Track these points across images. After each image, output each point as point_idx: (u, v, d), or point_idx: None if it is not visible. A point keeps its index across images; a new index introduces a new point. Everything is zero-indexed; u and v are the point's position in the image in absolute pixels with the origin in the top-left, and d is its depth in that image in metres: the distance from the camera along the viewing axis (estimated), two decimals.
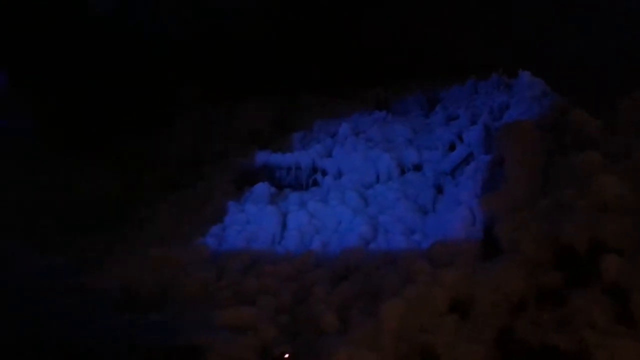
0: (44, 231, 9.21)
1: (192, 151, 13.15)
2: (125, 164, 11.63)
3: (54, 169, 10.29)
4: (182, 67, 13.74)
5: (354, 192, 10.64)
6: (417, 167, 11.23)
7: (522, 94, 11.48)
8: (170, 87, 13.65)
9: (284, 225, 10.15)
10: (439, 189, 10.48)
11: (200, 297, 8.23)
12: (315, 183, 11.76)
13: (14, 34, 11.19)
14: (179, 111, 13.55)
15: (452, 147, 11.19)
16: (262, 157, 12.15)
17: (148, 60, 13.41)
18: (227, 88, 13.70)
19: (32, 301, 6.97)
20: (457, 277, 7.18)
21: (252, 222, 10.27)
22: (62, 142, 10.86)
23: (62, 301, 6.99)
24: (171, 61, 13.72)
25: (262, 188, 11.21)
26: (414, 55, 14.64)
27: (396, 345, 6.60)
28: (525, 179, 8.44)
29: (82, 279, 7.62)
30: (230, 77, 13.79)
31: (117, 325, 6.69)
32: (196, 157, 13.00)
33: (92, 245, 8.85)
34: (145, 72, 13.22)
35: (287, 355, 6.64)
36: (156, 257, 8.53)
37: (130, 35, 13.42)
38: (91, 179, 10.63)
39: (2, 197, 9.54)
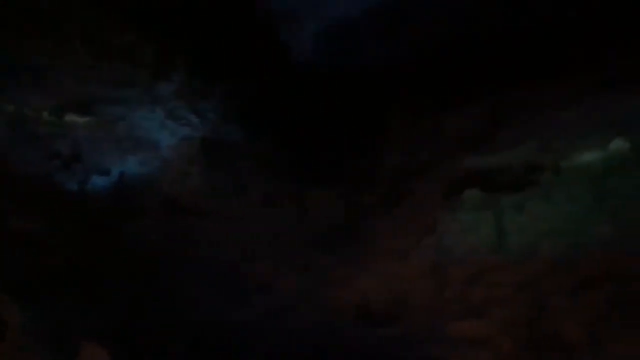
0: (293, 254, 10.70)
1: (400, 166, 13.59)
2: (345, 187, 12.79)
3: (292, 201, 12.00)
4: (384, 92, 14.40)
5: (581, 186, 9.54)
6: None
7: None
8: (374, 112, 14.44)
9: (503, 231, 9.72)
10: None
11: (427, 310, 8.47)
12: (533, 182, 10.90)
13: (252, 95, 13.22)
14: (387, 132, 14.18)
15: None
16: (471, 162, 11.84)
17: (351, 93, 14.51)
18: (432, 99, 13.76)
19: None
20: None
21: (469, 231, 10.10)
22: (298, 177, 12.61)
23: (313, 316, 8.06)
24: (372, 89, 14.54)
25: (472, 194, 10.93)
26: None
27: None
28: None
29: (326, 295, 8.68)
30: (433, 88, 13.85)
31: (359, 338, 7.38)
32: (405, 171, 13.38)
33: (329, 264, 9.95)
34: (350, 105, 14.35)
35: None
36: (383, 273, 9.12)
37: (331, 73, 14.71)
38: (320, 205, 12.01)
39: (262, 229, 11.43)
